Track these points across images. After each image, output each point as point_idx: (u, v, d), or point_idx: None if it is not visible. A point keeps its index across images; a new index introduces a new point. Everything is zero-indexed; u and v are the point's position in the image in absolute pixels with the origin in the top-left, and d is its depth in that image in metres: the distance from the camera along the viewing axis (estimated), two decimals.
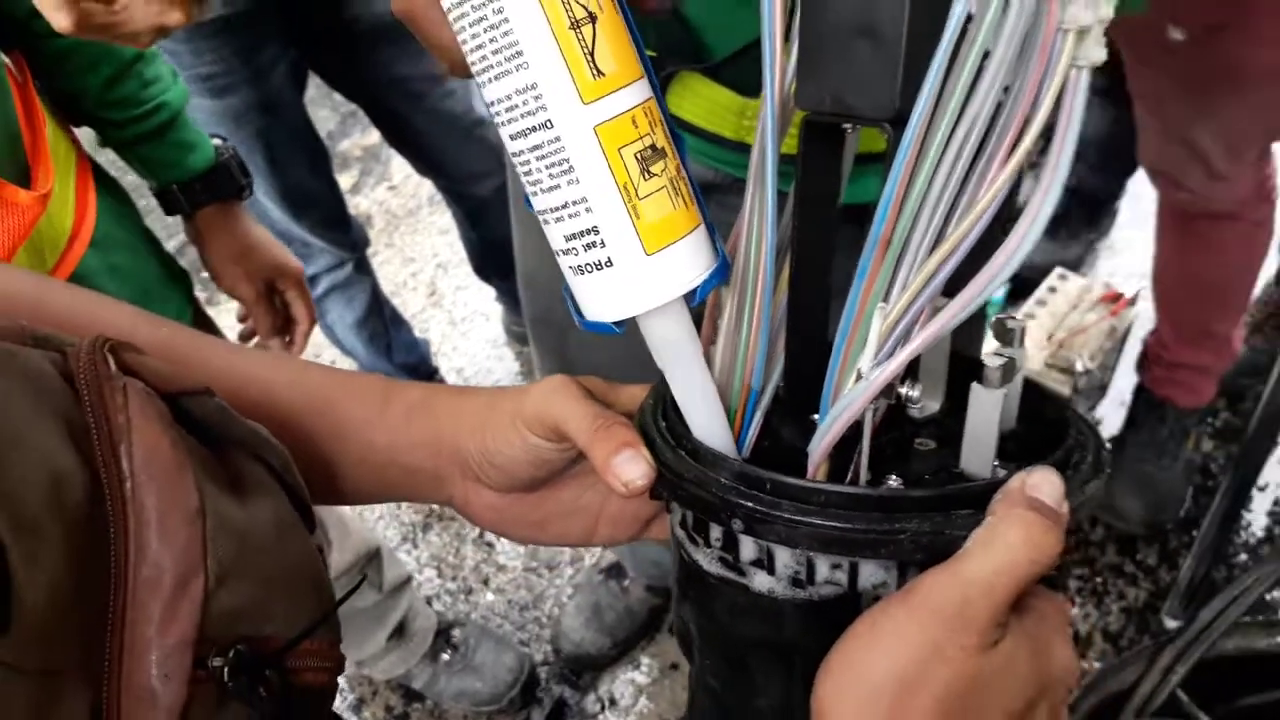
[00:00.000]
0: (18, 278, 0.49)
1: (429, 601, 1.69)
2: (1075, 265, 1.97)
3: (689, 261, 0.40)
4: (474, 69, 0.38)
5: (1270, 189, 1.42)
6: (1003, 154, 0.35)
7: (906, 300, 0.39)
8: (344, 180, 2.85)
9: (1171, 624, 1.02)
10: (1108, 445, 0.43)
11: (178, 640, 0.32)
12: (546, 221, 0.40)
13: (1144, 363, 1.66)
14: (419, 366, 1.88)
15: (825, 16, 0.36)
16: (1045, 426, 0.44)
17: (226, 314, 1.71)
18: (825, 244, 0.42)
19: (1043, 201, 0.34)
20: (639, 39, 0.39)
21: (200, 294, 1.15)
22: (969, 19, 0.33)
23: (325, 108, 3.07)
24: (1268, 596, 1.54)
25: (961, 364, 0.45)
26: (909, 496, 0.38)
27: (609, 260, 0.38)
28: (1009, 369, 0.40)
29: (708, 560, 0.42)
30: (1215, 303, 1.53)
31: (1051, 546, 0.35)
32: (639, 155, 0.38)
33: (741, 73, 0.76)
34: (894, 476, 0.41)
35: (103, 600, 0.32)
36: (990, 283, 0.35)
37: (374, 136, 2.83)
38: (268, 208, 1.48)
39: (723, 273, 0.42)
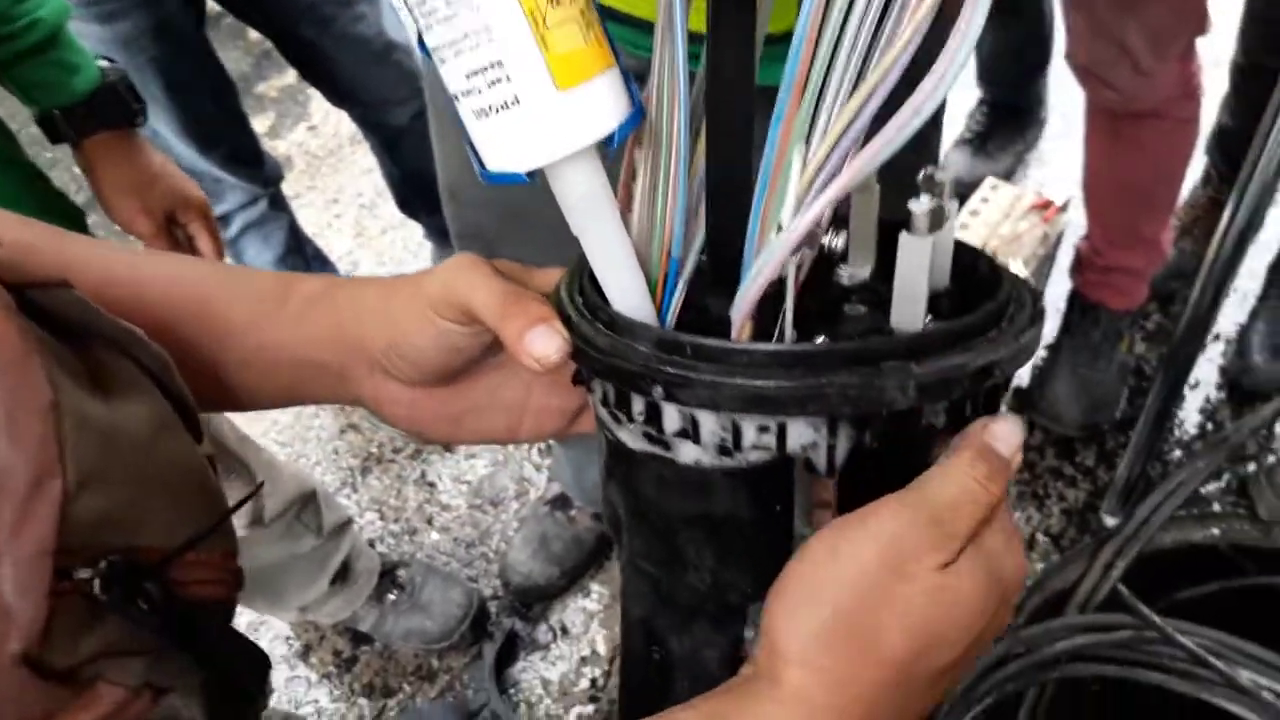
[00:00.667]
0: None
1: (372, 545, 1.66)
2: (1006, 177, 1.97)
3: (604, 104, 0.36)
4: None
5: (1194, 86, 1.43)
6: None
7: (827, 147, 0.37)
8: (261, 123, 2.74)
9: (1110, 522, 1.03)
10: (1042, 297, 0.41)
11: (34, 549, 0.29)
12: (443, 59, 0.36)
13: (1077, 268, 1.67)
14: None
15: None
16: (978, 283, 0.43)
17: None
18: (742, 97, 0.39)
19: (975, 7, 0.31)
20: None
21: (103, 234, 1.08)
22: None
23: (238, 48, 2.94)
24: (1201, 490, 1.59)
25: (891, 230, 0.43)
26: (834, 350, 0.35)
27: (515, 98, 0.35)
28: (937, 215, 0.38)
29: (631, 436, 0.40)
30: (1144, 204, 1.54)
31: (998, 489, 0.36)
32: None
33: None
34: (821, 337, 0.39)
35: None
36: (925, 102, 0.33)
37: (290, 77, 2.72)
38: (172, 142, 1.40)
39: (638, 119, 0.39)
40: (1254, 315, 1.70)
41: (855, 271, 0.45)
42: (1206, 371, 1.73)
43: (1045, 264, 1.76)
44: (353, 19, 1.45)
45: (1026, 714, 1.10)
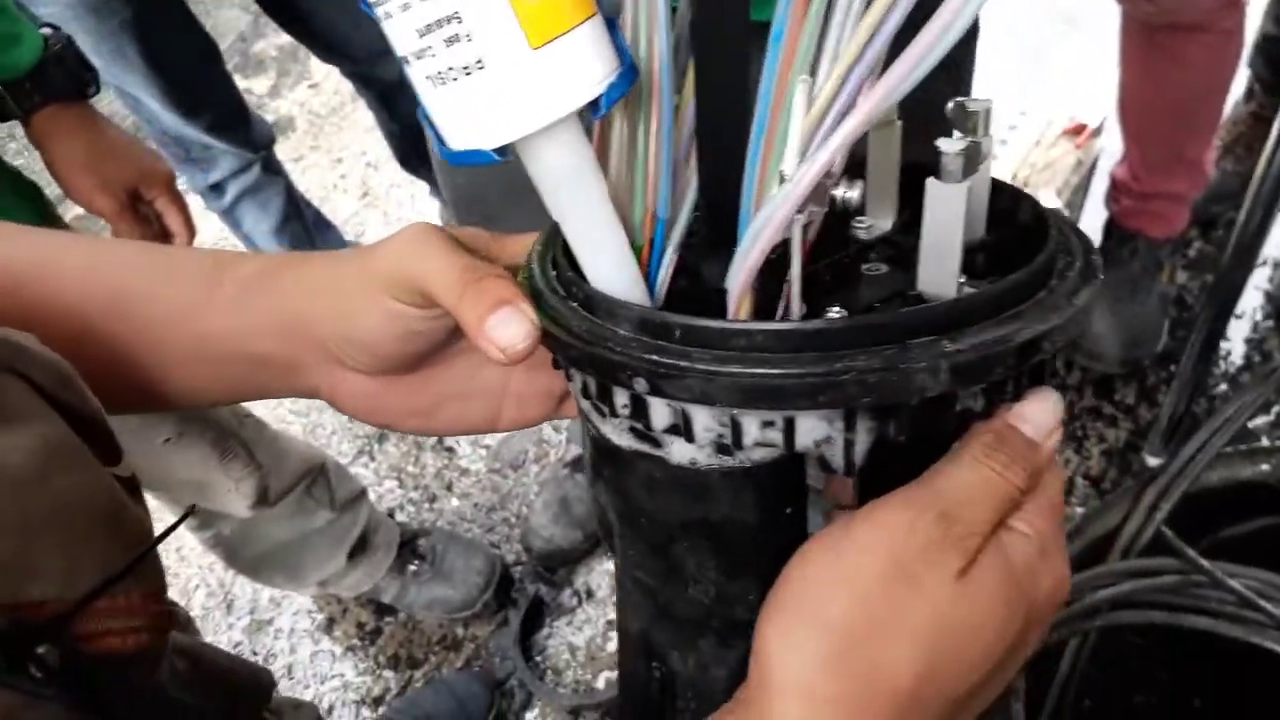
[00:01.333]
0: None
1: (392, 514, 1.63)
2: None
3: (586, 62, 0.30)
4: None
5: None
6: None
7: (838, 76, 0.30)
8: (261, 83, 2.68)
9: (1154, 462, 0.97)
10: (1096, 250, 0.34)
11: None
12: (388, 13, 0.30)
13: (1113, 195, 1.58)
14: None
15: None
16: (1020, 233, 0.36)
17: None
18: (736, 22, 0.33)
19: None
20: None
21: (73, 217, 1.02)
22: None
23: (235, 8, 2.87)
24: (1250, 424, 1.51)
25: (916, 174, 0.36)
26: (850, 326, 0.29)
27: (478, 61, 0.29)
28: (972, 156, 0.31)
29: (617, 432, 0.34)
30: (1185, 124, 1.45)
31: (1018, 478, 0.30)
32: None
33: None
34: (836, 308, 0.33)
35: None
36: (955, 19, 0.26)
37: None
38: (155, 110, 1.33)
39: (630, 77, 0.32)
40: None
41: (875, 222, 0.39)
42: (1252, 299, 1.64)
43: (1079, 193, 1.67)
44: None
45: (1069, 664, 1.06)
